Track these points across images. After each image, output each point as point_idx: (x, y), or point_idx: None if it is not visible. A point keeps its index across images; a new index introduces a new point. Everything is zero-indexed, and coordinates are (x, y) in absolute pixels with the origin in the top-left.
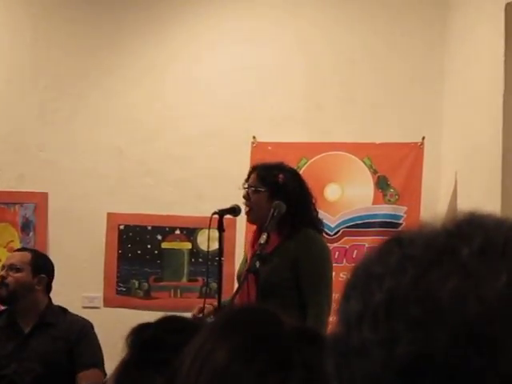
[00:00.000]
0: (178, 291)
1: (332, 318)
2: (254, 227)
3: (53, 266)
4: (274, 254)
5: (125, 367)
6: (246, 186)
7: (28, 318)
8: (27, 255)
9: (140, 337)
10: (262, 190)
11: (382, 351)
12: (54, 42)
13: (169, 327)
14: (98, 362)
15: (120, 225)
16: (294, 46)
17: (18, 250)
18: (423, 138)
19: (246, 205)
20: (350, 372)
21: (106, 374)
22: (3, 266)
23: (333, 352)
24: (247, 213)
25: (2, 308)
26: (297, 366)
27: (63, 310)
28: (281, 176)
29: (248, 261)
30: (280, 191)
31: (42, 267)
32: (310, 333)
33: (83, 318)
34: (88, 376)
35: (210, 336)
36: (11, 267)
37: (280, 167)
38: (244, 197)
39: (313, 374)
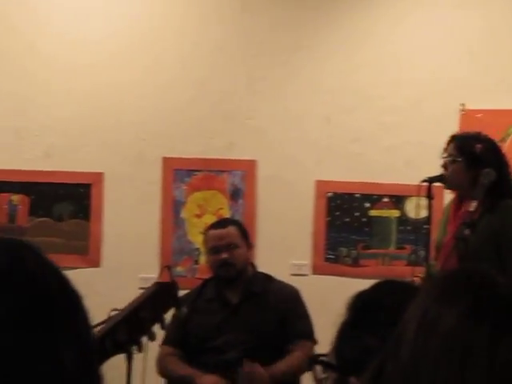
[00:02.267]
0: (386, 259)
1: None
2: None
3: None
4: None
5: (342, 328)
6: (445, 155)
7: (235, 288)
8: (235, 229)
9: (358, 299)
10: (459, 159)
11: None
12: (263, 9)
13: (386, 289)
14: (310, 333)
15: (328, 192)
16: (505, 8)
17: (217, 225)
18: None
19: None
20: None
21: (316, 342)
22: (214, 247)
23: None
24: (444, 181)
25: (205, 279)
26: None
27: (268, 278)
28: (478, 146)
29: (445, 228)
30: (477, 161)
31: (247, 235)
32: None
33: (290, 285)
34: (300, 347)
35: (432, 302)
36: (230, 246)
37: (478, 137)
38: (442, 166)
39: None
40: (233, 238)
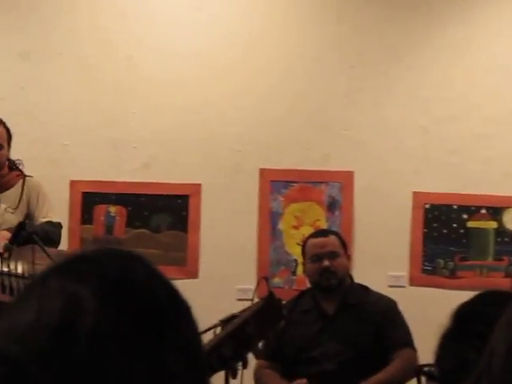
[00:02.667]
0: (484, 270)
1: None
2: None
3: None
4: None
5: (443, 340)
6: None
7: (332, 299)
8: (336, 238)
9: (459, 310)
10: None
11: None
12: (359, 21)
13: (488, 300)
14: (409, 341)
15: (425, 204)
16: None
17: (317, 233)
18: None
19: None
20: None
21: (416, 352)
22: (316, 255)
23: None
24: None
25: (301, 290)
26: None
27: (365, 289)
28: None
29: None
30: None
31: (346, 245)
32: None
33: (387, 297)
34: (402, 355)
35: None
36: (332, 254)
37: None
38: None
39: None
40: (334, 246)
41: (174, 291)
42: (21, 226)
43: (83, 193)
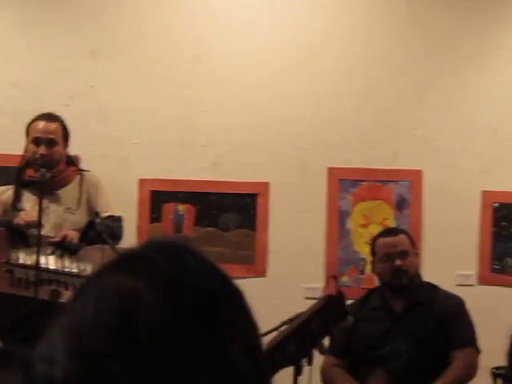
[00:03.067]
0: None
1: None
2: None
3: None
4: None
5: None
6: None
7: (401, 297)
8: (405, 237)
9: None
10: None
11: None
12: (429, 21)
13: None
14: (472, 340)
15: (494, 202)
16: None
17: (387, 232)
18: None
19: None
20: None
21: (479, 352)
22: (387, 255)
23: None
24: None
25: (370, 288)
26: None
27: (434, 287)
28: None
29: None
30: None
31: (415, 243)
32: None
33: (455, 295)
34: (462, 355)
35: None
36: (403, 253)
37: None
38: None
39: None
40: (405, 245)
41: (224, 277)
42: (90, 224)
43: (152, 191)
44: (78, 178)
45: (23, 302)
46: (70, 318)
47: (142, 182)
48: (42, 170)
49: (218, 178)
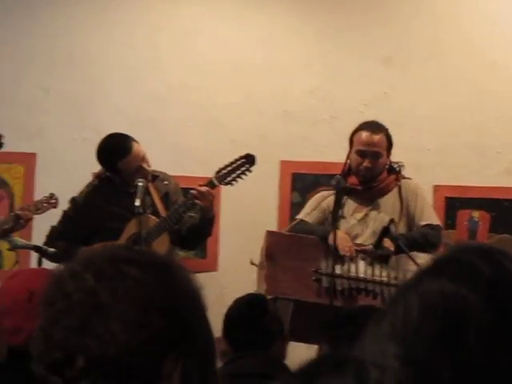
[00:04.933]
0: None
1: None
2: None
3: None
4: None
5: None
6: None
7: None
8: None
9: None
10: None
11: None
12: None
13: None
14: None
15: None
16: None
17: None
18: None
19: None
20: None
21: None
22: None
23: None
24: None
25: None
26: None
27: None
28: None
29: None
30: None
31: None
32: None
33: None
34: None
35: None
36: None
37: None
38: None
39: None
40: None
41: None
42: (385, 230)
43: (446, 197)
44: (397, 187)
45: (329, 311)
46: (391, 324)
47: (437, 189)
48: (337, 177)
49: None
